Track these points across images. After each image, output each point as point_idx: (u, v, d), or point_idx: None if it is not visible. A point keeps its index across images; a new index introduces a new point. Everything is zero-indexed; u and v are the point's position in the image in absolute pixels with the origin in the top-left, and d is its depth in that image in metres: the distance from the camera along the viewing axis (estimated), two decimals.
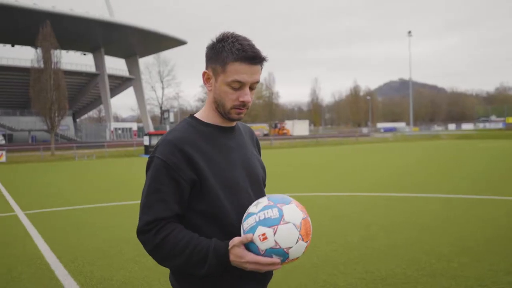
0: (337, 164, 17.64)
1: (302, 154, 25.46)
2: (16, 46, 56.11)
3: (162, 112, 76.19)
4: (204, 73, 1.45)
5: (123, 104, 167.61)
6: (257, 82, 1.44)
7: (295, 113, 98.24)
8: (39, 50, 34.31)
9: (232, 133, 1.51)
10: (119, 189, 11.59)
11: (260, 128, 62.04)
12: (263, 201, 1.35)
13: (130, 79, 66.66)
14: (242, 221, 1.34)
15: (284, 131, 59.99)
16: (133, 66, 66.71)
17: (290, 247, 1.29)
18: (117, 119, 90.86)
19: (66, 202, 9.36)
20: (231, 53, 1.36)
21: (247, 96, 1.40)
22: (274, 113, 42.95)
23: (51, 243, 5.64)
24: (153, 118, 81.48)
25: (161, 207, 1.34)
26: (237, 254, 1.30)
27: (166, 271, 1.67)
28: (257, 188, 1.50)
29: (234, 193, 1.42)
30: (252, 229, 1.30)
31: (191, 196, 1.39)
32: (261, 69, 1.44)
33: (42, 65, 33.70)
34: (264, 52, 1.42)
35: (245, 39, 1.41)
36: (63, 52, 52.83)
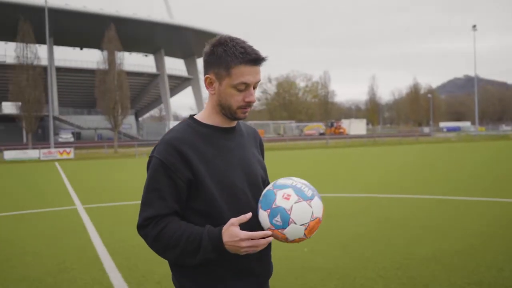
0: (389, 165, 17.10)
1: (358, 154, 24.92)
2: (84, 49, 59.60)
3: None
4: (206, 78, 1.48)
5: (182, 103, 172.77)
6: (259, 81, 1.48)
7: (352, 112, 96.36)
8: (104, 53, 36.21)
9: (232, 134, 1.54)
10: None
11: (315, 127, 61.50)
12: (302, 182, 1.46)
13: (189, 79, 68.58)
14: (272, 186, 1.44)
15: (341, 130, 59.03)
16: (191, 66, 68.57)
17: (295, 223, 1.38)
18: (177, 118, 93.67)
19: (123, 197, 9.82)
20: (235, 56, 1.39)
21: (252, 96, 1.46)
22: (329, 112, 42.30)
23: (104, 236, 5.95)
24: None
25: (160, 204, 1.40)
26: (231, 233, 1.34)
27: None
28: (255, 188, 1.51)
29: (230, 193, 1.45)
30: (283, 187, 1.42)
31: (189, 195, 1.44)
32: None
33: (106, 67, 35.53)
34: (263, 52, 1.45)
35: (243, 41, 1.44)
36: (126, 54, 55.38)
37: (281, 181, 1.45)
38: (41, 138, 48.60)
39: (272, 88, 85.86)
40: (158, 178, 1.41)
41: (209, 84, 1.48)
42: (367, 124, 65.45)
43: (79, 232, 6.29)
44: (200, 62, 72.68)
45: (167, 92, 63.11)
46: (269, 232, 1.37)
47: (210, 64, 1.45)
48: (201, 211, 1.44)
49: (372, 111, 78.77)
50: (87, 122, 54.84)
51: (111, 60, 35.69)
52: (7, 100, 41.22)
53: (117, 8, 57.57)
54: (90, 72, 44.92)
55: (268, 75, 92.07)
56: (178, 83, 69.78)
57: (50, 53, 53.73)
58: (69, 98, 58.87)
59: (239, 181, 1.47)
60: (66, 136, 50.66)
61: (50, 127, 34.57)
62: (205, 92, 78.00)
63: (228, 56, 1.40)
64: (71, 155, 30.73)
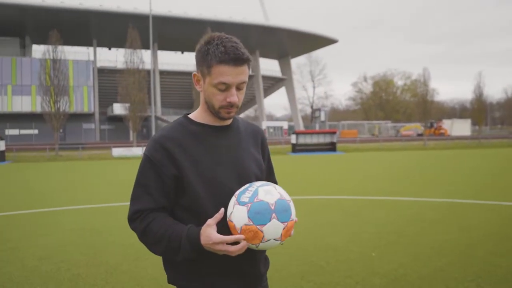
0: (490, 169, 15.60)
1: (458, 156, 23.13)
2: (185, 53, 63.18)
3: (313, 111, 77.24)
4: (194, 75, 1.52)
5: (277, 103, 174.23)
6: (244, 82, 1.46)
7: (456, 112, 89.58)
8: None
9: (225, 132, 1.55)
10: None
11: (413, 128, 58.29)
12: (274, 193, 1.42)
13: (283, 79, 69.20)
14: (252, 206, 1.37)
15: (441, 131, 55.25)
16: (285, 66, 69.12)
17: (277, 220, 1.35)
18: (271, 118, 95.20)
19: None
20: (215, 56, 1.40)
21: (234, 97, 1.44)
22: (429, 111, 39.78)
23: None
24: (305, 117, 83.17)
25: (147, 199, 1.46)
26: (206, 234, 1.36)
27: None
28: (244, 185, 1.50)
29: (215, 191, 1.46)
30: (264, 184, 1.44)
31: (176, 192, 1.48)
32: (248, 69, 1.47)
33: None
34: (247, 53, 1.44)
35: (230, 40, 1.43)
36: None
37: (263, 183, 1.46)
38: (145, 137, 52.60)
39: (367, 87, 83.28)
40: (146, 173, 1.47)
41: (196, 81, 1.52)
42: (473, 124, 60.43)
43: None
44: (293, 63, 73.09)
45: (261, 92, 64.35)
46: (241, 236, 1.35)
47: (197, 62, 1.49)
48: (187, 207, 1.48)
49: (478, 110, 72.50)
50: None
51: None
52: (117, 101, 45.20)
53: (215, 13, 60.13)
54: (189, 74, 47.49)
55: (364, 73, 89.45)
56: (272, 84, 70.79)
57: (154, 57, 57.88)
58: (170, 99, 62.83)
59: (226, 179, 1.49)
60: None
61: (152, 126, 37.25)
62: (298, 92, 78.31)
63: (209, 55, 1.42)
64: None
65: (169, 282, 1.55)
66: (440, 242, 5.31)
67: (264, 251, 1.59)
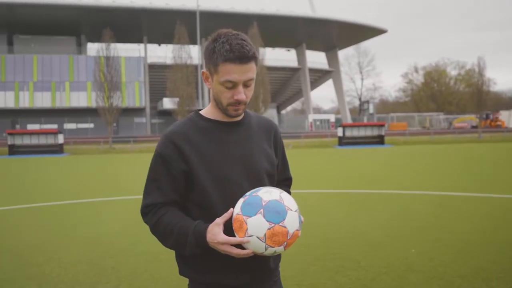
0: None
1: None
2: None
3: (361, 103, 75.69)
4: (203, 73, 1.53)
5: (324, 96, 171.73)
6: (251, 79, 1.47)
7: None
8: None
9: (235, 127, 1.56)
10: (304, 177, 12.15)
11: (468, 120, 55.69)
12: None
13: (330, 72, 68.19)
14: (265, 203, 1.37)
15: (498, 123, 52.41)
16: (332, 58, 68.04)
17: (263, 217, 1.34)
18: (318, 110, 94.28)
19: None
20: (220, 54, 1.42)
21: (240, 94, 1.46)
22: (484, 102, 37.83)
23: None
24: (353, 110, 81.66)
25: (158, 193, 1.50)
26: (213, 232, 1.38)
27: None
28: (255, 182, 1.52)
29: (224, 186, 1.48)
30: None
31: (187, 187, 1.51)
32: (256, 66, 1.47)
33: None
34: (253, 49, 1.44)
35: (236, 37, 1.44)
36: (269, 49, 57.49)
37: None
38: None
39: (418, 78, 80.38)
40: (156, 169, 1.52)
41: (205, 78, 1.53)
42: None
43: None
44: (341, 54, 71.78)
45: (308, 85, 63.78)
46: (245, 239, 1.36)
47: (205, 59, 1.50)
48: (196, 202, 1.51)
49: None
50: None
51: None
52: (166, 96, 46.46)
53: (262, 7, 60.24)
54: None
55: (415, 64, 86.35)
56: (319, 76, 69.96)
57: (202, 52, 58.82)
58: None
59: (235, 174, 1.50)
60: None
61: None
62: (346, 84, 76.93)
63: (215, 53, 1.43)
64: None
65: (180, 273, 1.60)
66: (488, 240, 5.08)
67: None
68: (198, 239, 1.41)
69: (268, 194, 1.38)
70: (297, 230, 1.40)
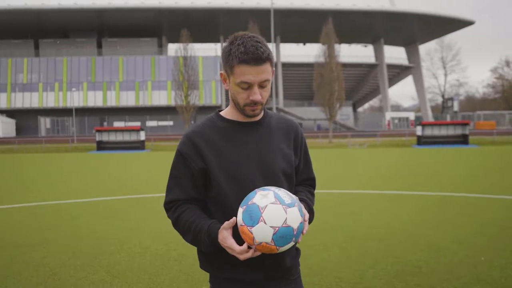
0: None
1: None
2: (307, 44, 63.38)
3: (444, 100, 71.57)
4: (221, 74, 1.58)
5: (403, 92, 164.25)
6: (266, 80, 1.49)
7: None
8: (321, 46, 37.84)
9: (253, 127, 1.60)
10: (374, 178, 11.83)
11: None
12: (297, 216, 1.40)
13: (409, 68, 65.29)
14: (279, 230, 1.36)
15: None
16: (412, 54, 65.05)
17: (264, 223, 1.35)
18: (397, 108, 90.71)
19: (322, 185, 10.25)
20: (235, 56, 1.46)
21: (256, 95, 1.49)
22: None
23: None
24: (435, 107, 77.46)
25: (178, 190, 1.58)
26: (223, 236, 1.44)
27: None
28: (270, 181, 1.55)
29: (238, 184, 1.52)
30: (265, 189, 1.42)
31: (205, 184, 1.57)
32: (271, 67, 1.50)
33: (323, 60, 37.07)
34: (268, 51, 1.47)
35: (252, 39, 1.48)
36: (345, 45, 56.35)
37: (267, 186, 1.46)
38: None
39: (510, 73, 74.15)
40: (177, 166, 1.60)
41: (223, 80, 1.58)
42: None
43: None
44: (422, 49, 68.34)
45: (385, 82, 61.60)
46: (244, 249, 1.40)
47: (223, 61, 1.55)
48: (213, 200, 1.57)
49: None
50: (307, 113, 58.31)
51: (330, 53, 37.06)
52: None
53: (337, 2, 58.99)
54: (310, 66, 47.64)
55: (506, 57, 79.81)
56: (397, 72, 67.24)
57: (277, 50, 59.12)
58: (292, 91, 63.72)
59: (250, 173, 1.54)
60: None
61: None
62: (427, 81, 73.19)
63: (231, 55, 1.48)
64: None
65: (200, 267, 1.67)
66: None
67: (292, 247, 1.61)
68: (211, 239, 1.48)
69: (264, 198, 1.38)
70: (301, 222, 1.40)
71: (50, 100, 54.77)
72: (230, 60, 1.49)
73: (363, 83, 66.92)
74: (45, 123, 54.86)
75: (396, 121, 58.96)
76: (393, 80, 67.85)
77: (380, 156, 20.85)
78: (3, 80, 54.77)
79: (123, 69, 55.26)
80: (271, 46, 38.15)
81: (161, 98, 54.61)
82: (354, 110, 69.51)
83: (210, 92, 55.35)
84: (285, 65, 60.31)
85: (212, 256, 1.58)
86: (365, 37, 62.50)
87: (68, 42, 58.02)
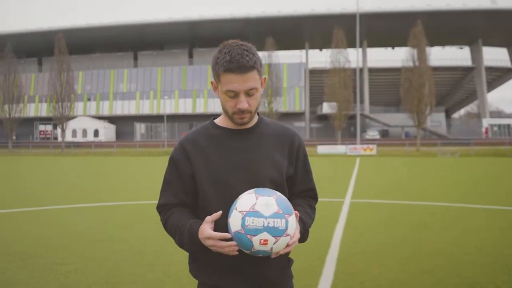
0: None
1: None
2: (396, 48, 60.98)
3: None
4: (212, 83, 1.59)
5: (504, 97, 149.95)
6: (252, 88, 1.49)
7: None
8: (410, 50, 36.19)
9: (243, 135, 1.59)
10: (457, 190, 10.99)
11: None
12: (272, 205, 1.40)
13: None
14: (246, 214, 1.37)
15: None
16: None
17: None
18: (498, 114, 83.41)
19: (395, 196, 9.78)
20: (221, 65, 1.47)
21: (242, 103, 1.49)
22: None
23: (347, 231, 6.22)
24: None
25: (169, 194, 1.61)
26: (201, 231, 1.44)
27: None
28: (256, 187, 1.50)
29: (224, 190, 1.52)
30: (257, 231, 1.37)
31: (195, 190, 1.58)
32: (259, 75, 1.49)
33: (411, 64, 35.42)
34: (254, 59, 1.46)
35: (239, 47, 1.47)
36: (437, 48, 53.20)
37: (254, 213, 1.39)
38: (353, 135, 52.94)
39: None
40: (169, 172, 1.62)
41: (214, 88, 1.59)
42: None
43: (327, 222, 6.77)
44: None
45: (484, 86, 57.04)
46: (227, 235, 1.39)
47: (212, 70, 1.55)
48: (201, 206, 1.57)
49: None
50: (394, 119, 55.97)
51: (420, 56, 35.37)
52: (323, 101, 46.98)
53: (428, 2, 56.13)
54: (397, 70, 45.80)
55: None
56: (498, 76, 61.95)
57: (364, 55, 57.67)
58: (378, 97, 61.60)
59: (236, 181, 1.52)
60: (373, 133, 53.28)
61: (357, 125, 37.28)
62: None
63: (217, 64, 1.48)
64: (374, 152, 32.28)
65: (190, 272, 1.67)
66: None
67: (282, 258, 1.57)
68: (191, 236, 1.48)
69: (265, 207, 1.38)
70: (288, 235, 1.41)
71: (146, 107, 58.86)
72: (216, 69, 1.50)
73: (457, 88, 62.64)
74: (140, 128, 58.98)
75: (496, 128, 54.23)
76: (492, 84, 62.67)
77: (472, 166, 19.33)
78: (107, 89, 60.02)
79: (211, 78, 57.59)
80: (357, 51, 37.22)
81: None
82: (447, 116, 65.16)
83: (294, 98, 55.55)
84: (372, 70, 58.59)
85: (198, 261, 1.60)
86: (460, 39, 58.54)
87: (163, 54, 61.98)
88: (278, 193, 1.44)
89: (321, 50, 62.14)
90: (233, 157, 1.56)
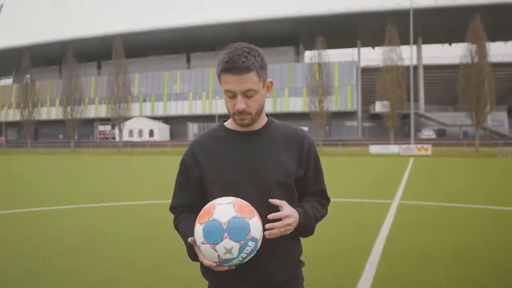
0: None
1: None
2: (453, 44, 58.32)
3: None
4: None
5: None
6: (250, 90, 1.50)
7: None
8: (468, 46, 34.52)
9: (251, 137, 1.60)
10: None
11: None
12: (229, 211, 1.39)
13: None
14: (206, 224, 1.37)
15: None
16: None
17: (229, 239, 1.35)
18: None
19: (443, 198, 9.42)
20: (220, 65, 1.50)
21: (239, 104, 1.50)
22: None
23: (392, 234, 6.07)
24: None
25: (180, 197, 1.67)
26: (196, 252, 1.46)
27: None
28: (262, 189, 1.54)
29: (228, 191, 1.52)
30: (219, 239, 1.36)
31: (204, 192, 1.61)
32: (257, 77, 1.49)
33: (469, 61, 33.78)
34: (251, 61, 1.47)
35: (240, 49, 1.49)
36: (499, 43, 50.35)
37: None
38: (407, 135, 51.25)
39: None
40: (180, 174, 1.67)
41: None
42: None
43: (372, 224, 6.65)
44: None
45: None
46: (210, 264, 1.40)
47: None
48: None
49: None
50: (452, 118, 53.54)
51: (478, 52, 33.67)
52: (375, 100, 45.80)
53: None
54: (455, 67, 43.75)
55: None
56: None
57: (419, 52, 55.67)
58: (434, 95, 59.18)
59: (241, 183, 1.53)
60: (428, 133, 51.21)
61: (411, 124, 36.06)
62: None
63: (218, 64, 1.51)
64: (429, 152, 31.11)
65: (201, 273, 1.71)
66: None
67: (284, 259, 1.59)
68: (189, 247, 1.53)
69: (224, 213, 1.37)
70: (233, 216, 1.36)
71: (198, 107, 60.18)
72: (218, 69, 1.53)
73: None
74: (192, 128, 60.37)
75: None
76: None
77: None
78: (161, 90, 61.99)
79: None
80: (411, 48, 35.96)
81: (297, 104, 55.73)
82: (510, 115, 61.32)
83: (345, 97, 54.63)
84: (427, 68, 56.41)
85: (203, 266, 1.61)
86: None
87: (214, 55, 63.10)
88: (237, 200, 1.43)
89: (373, 48, 60.68)
90: (238, 159, 1.58)
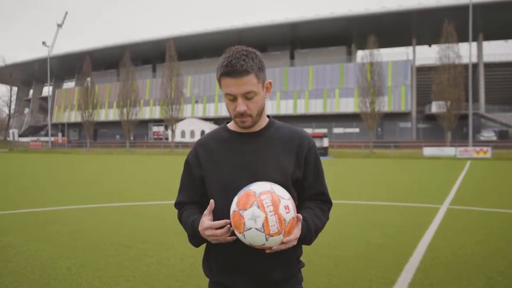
0: None
1: None
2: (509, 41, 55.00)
3: None
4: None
5: None
6: (250, 92, 1.52)
7: None
8: None
9: (250, 138, 1.64)
10: None
11: None
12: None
13: None
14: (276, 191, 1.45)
15: None
16: None
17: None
18: None
19: (491, 203, 8.91)
20: (219, 69, 1.53)
21: (240, 106, 1.53)
22: None
23: (434, 239, 5.84)
24: None
25: (183, 194, 1.73)
26: (201, 222, 1.52)
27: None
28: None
29: (227, 191, 1.56)
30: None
31: (206, 190, 1.66)
32: (256, 79, 1.52)
33: None
34: (250, 63, 1.49)
35: (239, 52, 1.51)
36: None
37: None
38: (465, 136, 48.85)
39: None
40: (184, 172, 1.74)
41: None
42: None
43: (416, 229, 6.41)
44: None
45: None
46: (227, 221, 1.46)
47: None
48: (207, 205, 1.61)
49: None
50: None
51: None
52: (431, 100, 44.00)
53: None
54: None
55: None
56: None
57: (479, 49, 52.93)
58: (496, 94, 55.98)
59: (238, 181, 1.56)
60: (488, 134, 48.40)
61: (469, 125, 34.35)
62: None
63: (218, 68, 1.54)
64: (488, 155, 29.50)
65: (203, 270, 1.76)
66: None
67: (290, 258, 1.61)
68: (193, 229, 1.58)
69: (260, 186, 1.45)
70: (293, 218, 1.44)
71: None
72: (217, 74, 1.56)
73: None
74: None
75: None
76: None
77: None
78: (212, 92, 63.14)
79: (312, 78, 57.43)
80: (470, 45, 34.21)
81: (348, 105, 54.73)
82: None
83: (399, 98, 52.97)
84: (488, 66, 53.46)
85: (208, 261, 1.68)
86: None
87: (264, 56, 60.98)
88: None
89: (430, 46, 58.38)
90: (239, 160, 1.61)
